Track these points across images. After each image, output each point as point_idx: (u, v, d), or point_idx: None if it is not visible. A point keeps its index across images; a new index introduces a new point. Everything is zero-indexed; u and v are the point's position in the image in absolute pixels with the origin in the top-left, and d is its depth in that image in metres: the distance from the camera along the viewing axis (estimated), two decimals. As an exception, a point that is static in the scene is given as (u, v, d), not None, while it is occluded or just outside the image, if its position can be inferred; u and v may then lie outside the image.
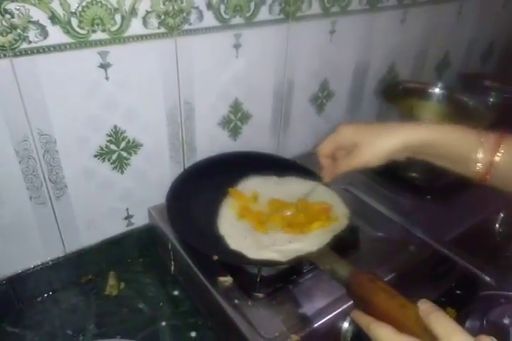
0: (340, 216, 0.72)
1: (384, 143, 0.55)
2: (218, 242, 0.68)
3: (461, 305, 0.79)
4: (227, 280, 0.66)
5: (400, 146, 0.54)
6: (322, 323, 0.61)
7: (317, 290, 0.65)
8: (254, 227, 0.72)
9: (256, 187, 0.81)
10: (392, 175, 0.93)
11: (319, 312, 0.62)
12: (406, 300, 0.47)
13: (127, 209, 0.83)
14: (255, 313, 0.62)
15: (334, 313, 0.62)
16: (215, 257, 0.64)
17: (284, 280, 0.67)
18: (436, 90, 1.02)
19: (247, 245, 0.68)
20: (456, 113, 0.98)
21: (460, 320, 0.75)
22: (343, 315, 0.62)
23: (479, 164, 0.51)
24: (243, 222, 0.73)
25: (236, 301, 0.63)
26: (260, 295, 0.64)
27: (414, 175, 0.95)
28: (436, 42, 1.21)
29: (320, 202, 0.75)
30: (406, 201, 0.89)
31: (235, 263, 0.67)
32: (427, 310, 0.42)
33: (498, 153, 0.49)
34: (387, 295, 0.48)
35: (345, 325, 0.63)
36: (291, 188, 0.80)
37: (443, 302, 0.78)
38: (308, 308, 0.63)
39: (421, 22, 1.12)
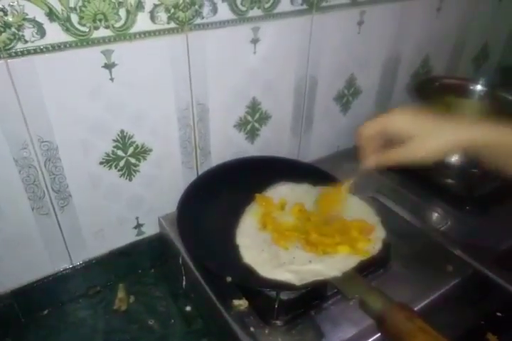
0: (374, 238, 0.63)
1: (448, 137, 0.50)
2: (232, 260, 0.62)
3: (502, 329, 0.71)
4: (242, 303, 0.60)
5: (464, 143, 0.50)
6: (349, 357, 0.55)
7: (343, 317, 0.59)
8: (274, 240, 0.65)
9: (285, 195, 0.74)
10: (426, 182, 0.85)
11: (345, 343, 0.56)
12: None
13: (137, 218, 0.78)
14: (273, 343, 0.55)
15: (363, 345, 0.55)
16: (229, 279, 0.58)
17: (305, 305, 0.60)
18: (477, 87, 0.92)
19: (262, 260, 0.62)
20: (500, 113, 0.88)
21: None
22: (373, 348, 0.56)
23: None
24: (264, 233, 0.67)
25: (252, 329, 0.57)
26: (278, 322, 0.58)
27: (450, 181, 0.86)
28: (475, 31, 1.11)
29: (359, 220, 0.66)
30: (441, 212, 0.80)
31: (250, 287, 0.60)
32: None
33: None
34: (428, 338, 0.41)
35: (376, 358, 0.57)
36: None
37: (483, 326, 0.71)
38: (332, 339, 0.56)
39: (458, 10, 1.02)
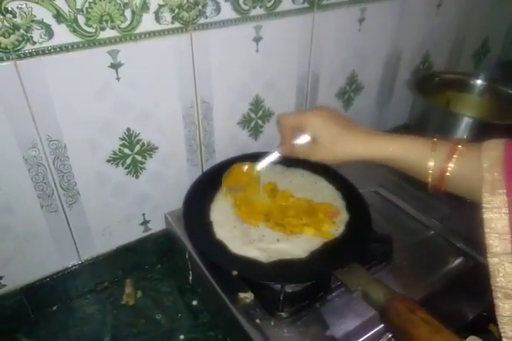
0: (338, 221, 0.68)
1: (342, 153, 0.57)
2: (255, 271, 0.63)
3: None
4: (247, 296, 0.61)
5: (356, 159, 0.57)
6: (353, 347, 0.56)
7: (347, 309, 0.60)
8: (243, 219, 0.69)
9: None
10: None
11: (349, 334, 0.57)
12: (451, 333, 0.41)
13: (143, 214, 0.79)
14: (278, 334, 0.57)
15: (366, 336, 0.57)
16: (235, 273, 0.59)
17: (309, 297, 0.62)
18: (478, 81, 0.93)
19: (233, 236, 0.66)
20: (499, 107, 0.89)
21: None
22: (377, 338, 0.57)
23: (431, 173, 0.51)
24: (235, 211, 0.71)
25: (257, 321, 0.58)
26: (284, 314, 0.59)
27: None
28: (475, 27, 1.11)
29: (325, 203, 0.70)
30: (444, 205, 0.82)
31: (256, 281, 0.62)
32: None
33: (450, 163, 0.50)
34: (430, 329, 0.42)
35: (379, 348, 0.58)
36: (296, 181, 0.76)
37: (485, 318, 0.72)
38: (337, 330, 0.58)
39: (458, 6, 1.02)
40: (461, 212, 0.80)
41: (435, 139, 0.52)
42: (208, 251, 0.65)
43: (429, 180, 0.52)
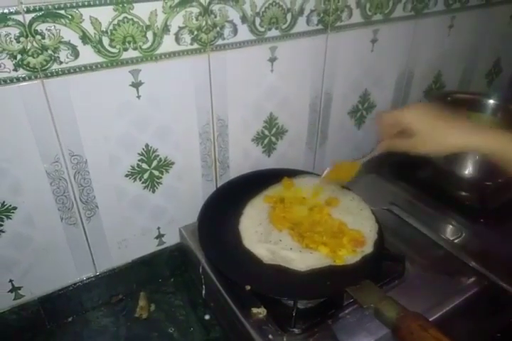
0: (359, 251, 0.66)
1: (443, 143, 0.58)
2: (251, 268, 0.64)
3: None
4: (260, 311, 0.61)
5: (458, 149, 0.58)
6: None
7: (359, 326, 0.60)
8: (271, 220, 0.71)
9: (311, 186, 0.79)
10: (440, 194, 0.86)
11: (361, 352, 0.57)
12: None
13: (158, 228, 0.81)
14: (291, 351, 0.57)
15: (378, 355, 0.57)
16: (248, 287, 0.60)
17: (322, 314, 0.62)
18: (490, 101, 0.94)
19: (253, 232, 0.69)
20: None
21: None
22: (389, 357, 0.57)
23: None
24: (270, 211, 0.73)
25: (270, 336, 0.59)
26: (296, 330, 0.59)
27: (464, 193, 0.87)
28: (487, 47, 1.13)
29: (357, 231, 0.69)
30: (456, 224, 0.82)
31: (269, 295, 0.62)
32: None
33: None
34: (442, 347, 0.42)
35: (391, 367, 0.58)
36: (343, 202, 0.76)
37: (499, 339, 0.71)
38: (348, 348, 0.58)
39: (470, 27, 1.04)
40: (474, 231, 0.80)
41: None
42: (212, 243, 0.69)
43: None
